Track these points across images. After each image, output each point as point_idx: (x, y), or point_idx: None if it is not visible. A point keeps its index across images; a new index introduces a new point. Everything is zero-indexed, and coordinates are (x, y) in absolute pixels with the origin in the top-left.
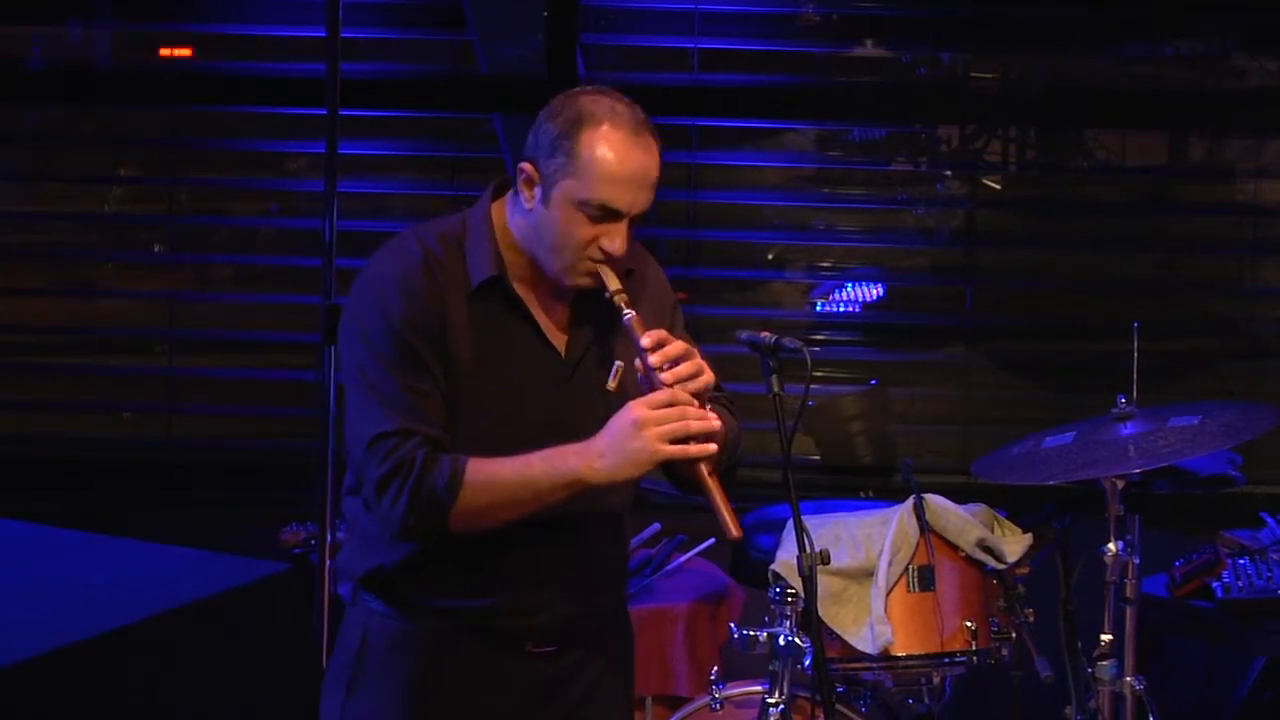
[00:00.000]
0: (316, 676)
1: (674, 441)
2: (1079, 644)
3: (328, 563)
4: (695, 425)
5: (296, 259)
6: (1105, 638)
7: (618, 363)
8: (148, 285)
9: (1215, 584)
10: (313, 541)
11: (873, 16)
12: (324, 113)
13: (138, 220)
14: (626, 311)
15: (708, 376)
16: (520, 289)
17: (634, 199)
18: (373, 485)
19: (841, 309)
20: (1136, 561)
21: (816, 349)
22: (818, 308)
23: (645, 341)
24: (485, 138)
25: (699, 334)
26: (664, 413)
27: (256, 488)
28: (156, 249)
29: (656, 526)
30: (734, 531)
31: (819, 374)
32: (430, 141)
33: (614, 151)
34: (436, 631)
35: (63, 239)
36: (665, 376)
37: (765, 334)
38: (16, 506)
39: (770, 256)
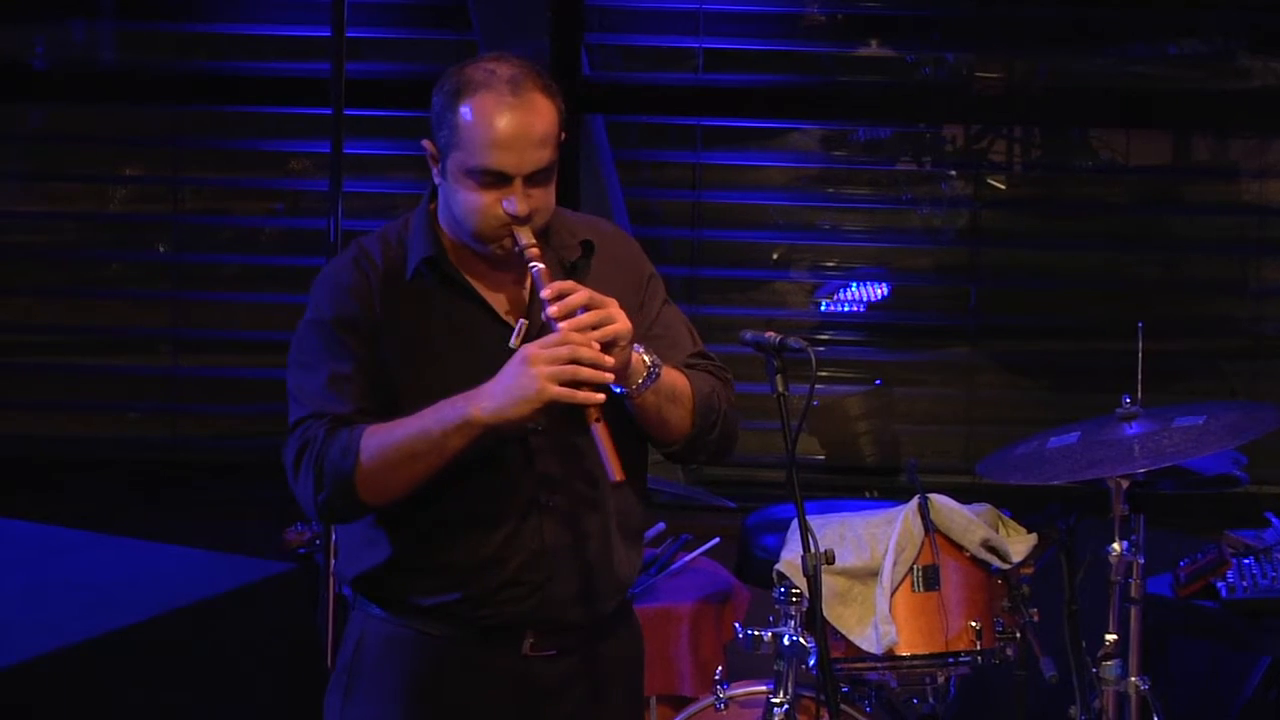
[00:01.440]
0: (321, 677)
1: (566, 384)
2: (1084, 644)
3: (332, 563)
4: (585, 372)
5: (302, 259)
6: (1110, 637)
7: (521, 320)
8: (152, 285)
9: (1220, 584)
10: (317, 542)
11: (877, 16)
12: (329, 112)
13: (142, 220)
14: (535, 265)
15: (618, 325)
16: (466, 273)
17: (520, 159)
18: (289, 469)
19: (846, 309)
20: (1141, 561)
21: (821, 349)
22: (822, 307)
23: (546, 292)
24: None
25: (704, 333)
26: (553, 352)
27: (261, 488)
28: (161, 249)
29: (661, 526)
30: (617, 475)
31: (824, 374)
32: None
33: (488, 115)
34: (430, 635)
35: (67, 239)
36: (562, 325)
37: (770, 334)
38: (20, 506)
39: (775, 256)
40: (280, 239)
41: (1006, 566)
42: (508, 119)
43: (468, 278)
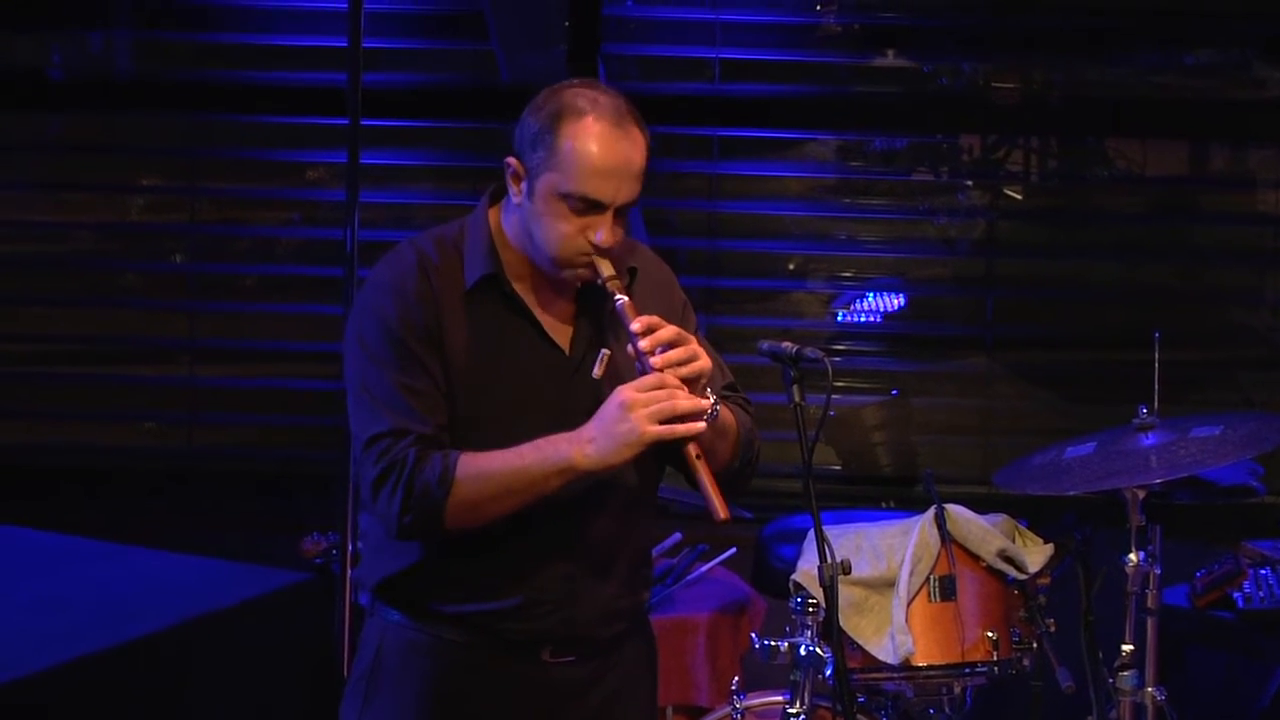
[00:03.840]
0: (337, 686)
1: (663, 423)
2: (1100, 654)
3: (349, 572)
4: (683, 405)
5: (318, 269)
6: (1126, 648)
7: (603, 350)
8: (169, 295)
9: (1236, 594)
10: (334, 551)
11: (894, 26)
12: (346, 123)
13: (159, 230)
14: (618, 297)
15: (703, 363)
16: (520, 288)
17: (617, 190)
18: (369, 486)
19: (863, 319)
20: (1158, 572)
21: (838, 359)
22: (839, 318)
23: (635, 326)
24: (506, 148)
25: (720, 344)
26: (651, 394)
27: (278, 497)
28: (178, 259)
29: (678, 536)
30: (721, 513)
31: (840, 384)
32: (451, 151)
33: (594, 142)
34: (450, 641)
35: (83, 248)
36: (655, 361)
37: (786, 344)
38: (37, 516)
39: (791, 267)
40: (297, 249)
41: (1023, 577)
42: (613, 149)
43: (522, 295)
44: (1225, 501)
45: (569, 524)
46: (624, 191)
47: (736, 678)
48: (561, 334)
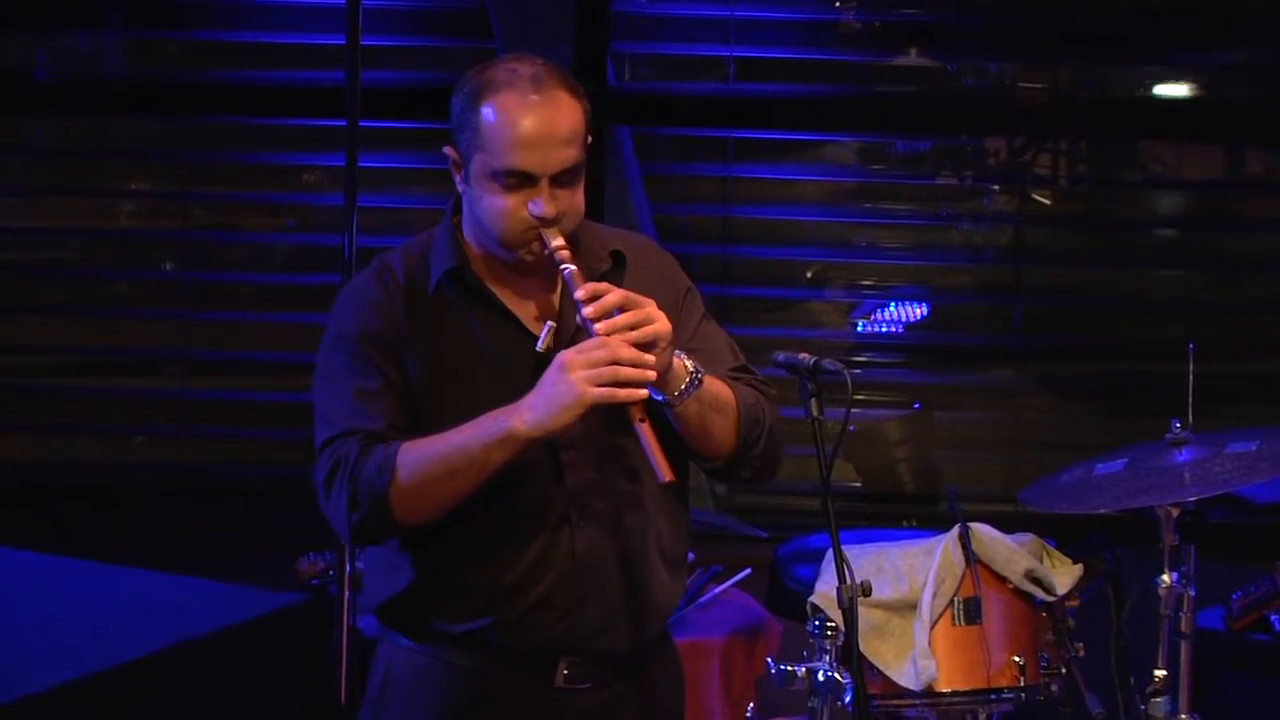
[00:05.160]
0: (336, 713)
1: (604, 386)
2: (1131, 680)
3: (347, 594)
4: (626, 371)
5: (315, 277)
6: (1159, 673)
7: (549, 323)
8: (160, 304)
9: (1274, 616)
10: (331, 572)
11: (917, 24)
12: (344, 124)
13: (149, 236)
14: (566, 266)
15: (657, 326)
16: (493, 285)
17: (544, 158)
18: (320, 489)
19: (884, 329)
20: (1192, 594)
21: (857, 371)
22: (859, 328)
23: (580, 293)
24: None
25: None
26: (590, 355)
27: (273, 515)
28: (168, 266)
29: (690, 557)
30: (666, 475)
31: (860, 397)
32: None
33: (511, 113)
34: (460, 667)
35: (72, 256)
36: (598, 327)
37: (804, 355)
38: (25, 534)
39: (809, 274)
40: (293, 256)
41: (1051, 599)
42: (532, 117)
43: (493, 289)
44: (1262, 520)
45: (569, 519)
46: (554, 159)
47: (751, 704)
48: (540, 325)
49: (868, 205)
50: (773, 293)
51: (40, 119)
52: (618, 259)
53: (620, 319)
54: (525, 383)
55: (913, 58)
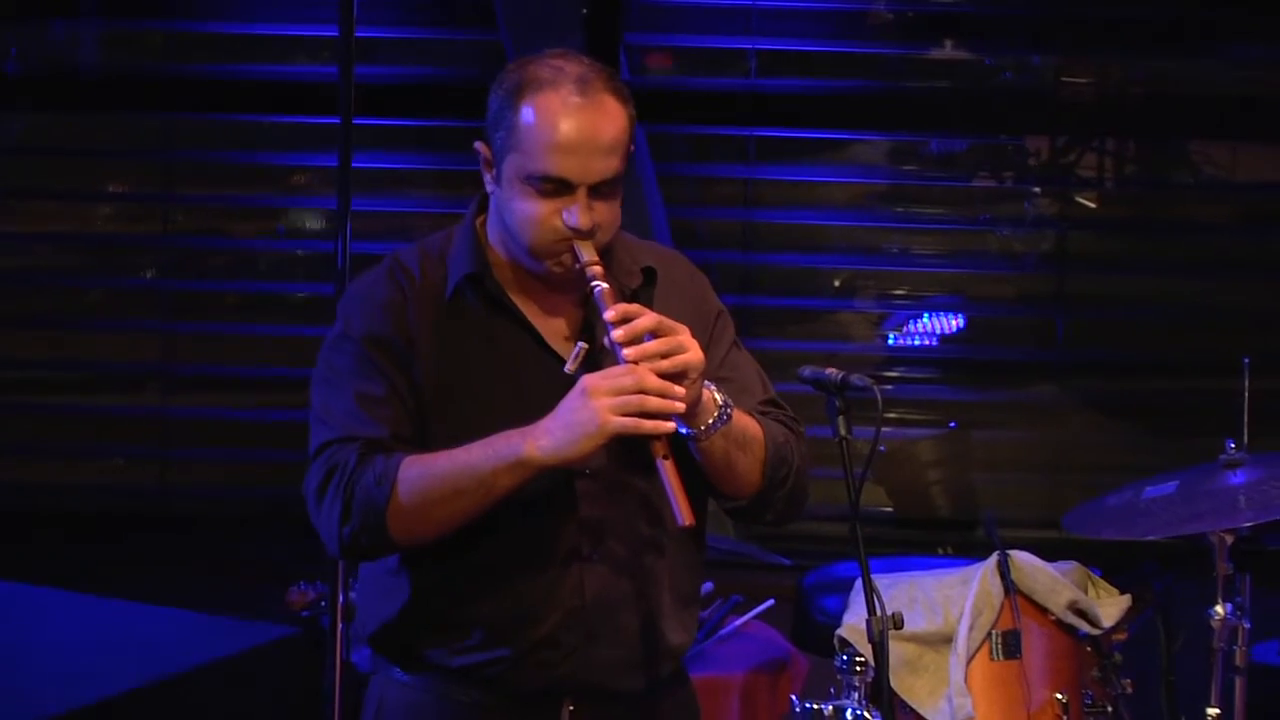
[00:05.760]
0: None
1: (629, 417)
2: (1183, 718)
3: (340, 627)
4: (653, 402)
5: (306, 285)
6: (1212, 712)
7: (580, 344)
8: (139, 315)
9: None
10: (323, 603)
11: (952, 13)
12: (337, 121)
13: (127, 241)
14: (597, 284)
15: (689, 356)
16: (515, 295)
17: (585, 166)
18: (311, 497)
19: (917, 342)
20: (1247, 626)
21: (889, 387)
22: (890, 341)
23: (610, 314)
24: None
25: None
26: (616, 382)
27: (261, 542)
28: (148, 274)
29: (709, 586)
30: (686, 519)
31: (891, 415)
32: (455, 154)
33: (554, 115)
34: (457, 703)
35: (44, 262)
36: (627, 353)
37: (831, 370)
38: None
39: (837, 283)
40: (281, 263)
41: (1096, 632)
42: (574, 121)
43: (515, 300)
44: None
45: (581, 552)
46: (594, 168)
47: None
48: (564, 342)
49: (899, 209)
50: (797, 303)
51: (10, 115)
52: (648, 275)
53: (651, 345)
54: (542, 403)
55: (948, 50)
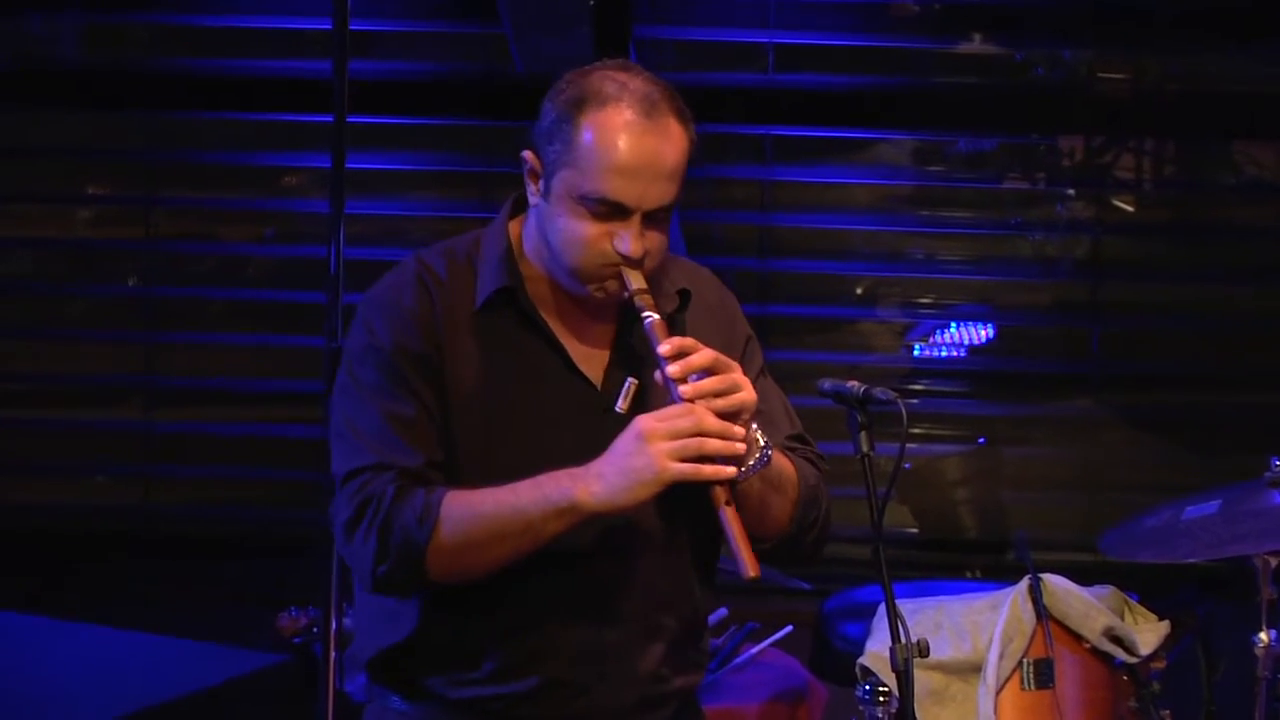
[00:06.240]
0: None
1: (688, 461)
2: None
3: (333, 654)
4: (713, 445)
5: (296, 293)
6: None
7: (630, 380)
8: (122, 324)
9: None
10: (315, 629)
11: (981, 6)
12: (330, 119)
13: (110, 246)
14: (648, 314)
15: (744, 395)
16: (545, 311)
17: (644, 191)
18: (341, 529)
19: (944, 353)
20: None
21: (914, 401)
22: (915, 352)
23: (664, 349)
24: (519, 149)
25: (776, 382)
26: (674, 425)
27: (250, 564)
28: (132, 281)
29: (723, 612)
30: (751, 570)
31: (917, 430)
32: (455, 154)
33: (617, 135)
34: None
35: (22, 269)
36: (685, 390)
37: (853, 383)
38: None
39: (859, 291)
40: (271, 269)
41: (1133, 660)
42: (637, 144)
43: (545, 318)
44: None
45: (596, 586)
46: (653, 194)
47: None
48: (593, 365)
49: (925, 212)
50: (817, 311)
51: None
52: (684, 297)
53: (707, 384)
54: (575, 430)
55: (976, 44)
